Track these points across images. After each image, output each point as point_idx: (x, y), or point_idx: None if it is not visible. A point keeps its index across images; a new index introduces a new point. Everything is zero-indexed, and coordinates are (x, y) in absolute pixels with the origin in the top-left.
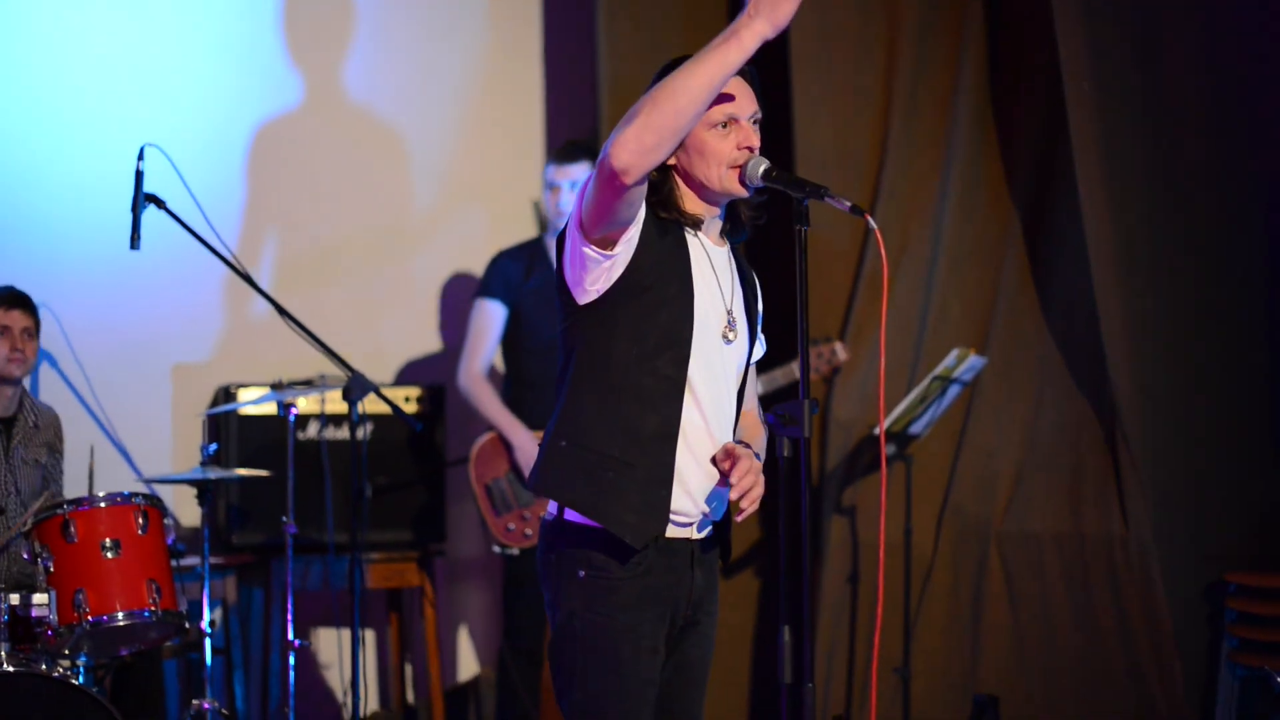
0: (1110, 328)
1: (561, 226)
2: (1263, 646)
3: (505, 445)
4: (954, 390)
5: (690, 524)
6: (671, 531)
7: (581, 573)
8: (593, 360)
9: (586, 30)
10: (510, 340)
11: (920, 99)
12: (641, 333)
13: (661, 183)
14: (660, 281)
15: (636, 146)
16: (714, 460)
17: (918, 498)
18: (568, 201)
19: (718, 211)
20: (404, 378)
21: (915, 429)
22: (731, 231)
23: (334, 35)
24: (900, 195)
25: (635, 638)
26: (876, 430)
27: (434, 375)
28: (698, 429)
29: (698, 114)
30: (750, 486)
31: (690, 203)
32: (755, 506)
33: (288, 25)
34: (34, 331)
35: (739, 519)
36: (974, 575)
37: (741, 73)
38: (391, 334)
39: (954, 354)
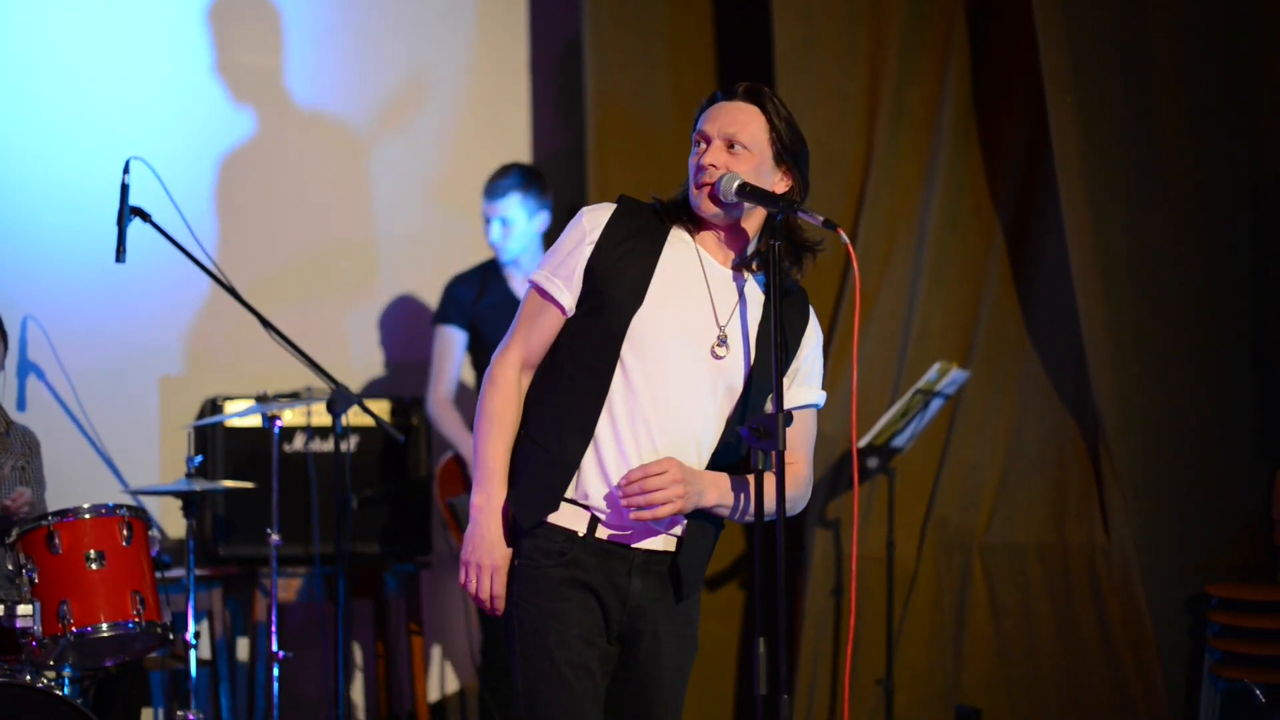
0: (1093, 339)
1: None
2: (1244, 659)
3: (462, 464)
4: (936, 403)
5: (606, 520)
6: (601, 532)
7: (516, 561)
8: (549, 356)
9: (573, 42)
10: (477, 360)
11: (905, 109)
12: (583, 330)
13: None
14: (608, 285)
15: None
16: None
17: (901, 510)
18: (497, 234)
19: (722, 235)
20: (391, 390)
21: (898, 442)
22: (768, 271)
23: (320, 47)
24: (884, 206)
25: (562, 624)
26: (859, 443)
27: (421, 388)
28: (639, 430)
29: None
30: (633, 494)
31: (700, 222)
32: (644, 514)
33: (273, 38)
34: None
35: (631, 516)
36: (957, 586)
37: (735, 98)
38: (377, 346)
39: (935, 368)
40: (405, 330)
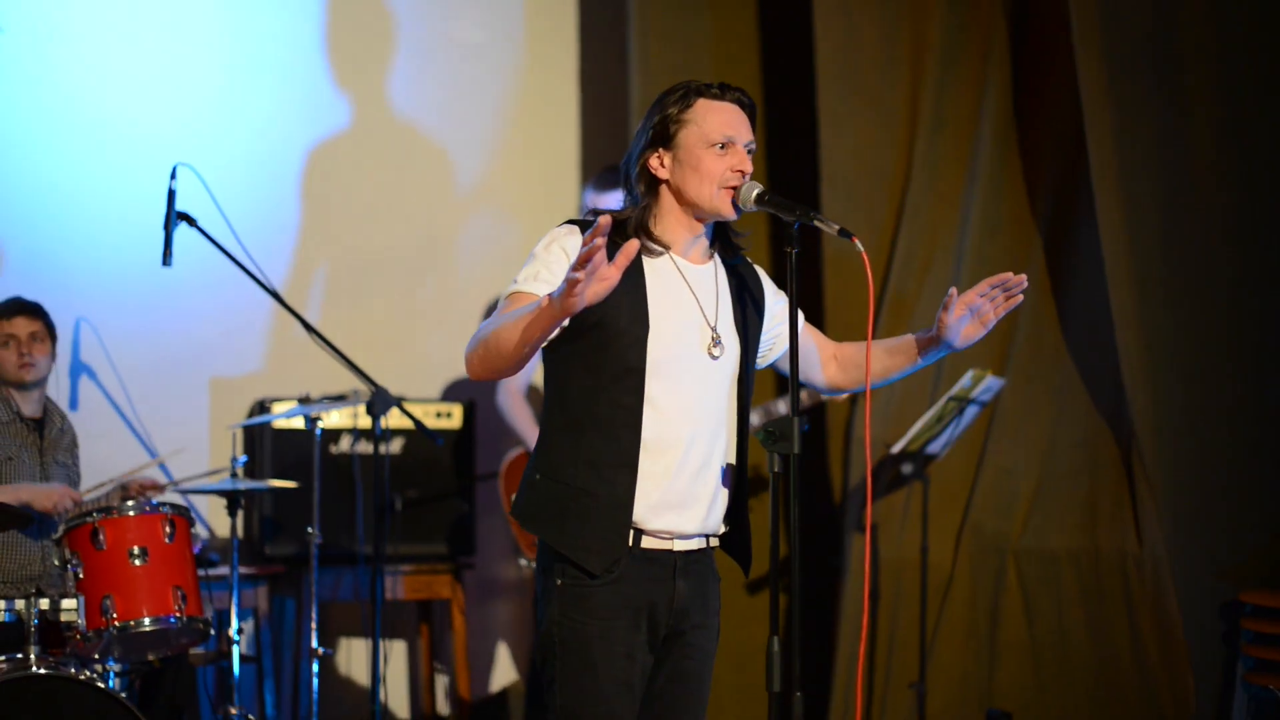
0: (1127, 347)
1: None
2: (1278, 667)
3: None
4: (972, 410)
5: (670, 538)
6: (649, 543)
7: (558, 580)
8: (557, 396)
9: (620, 51)
10: None
11: (945, 117)
12: (596, 365)
13: (644, 204)
14: (610, 316)
15: (478, 370)
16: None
17: (937, 515)
18: None
19: (701, 230)
20: (441, 393)
21: (933, 448)
22: (724, 252)
23: (374, 56)
24: (924, 214)
25: (608, 643)
26: (894, 449)
27: (469, 390)
28: (674, 450)
29: (518, 361)
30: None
31: (671, 223)
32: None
33: (330, 48)
34: (42, 336)
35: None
36: (991, 591)
37: (741, 104)
38: (428, 349)
39: (969, 374)
40: (455, 333)
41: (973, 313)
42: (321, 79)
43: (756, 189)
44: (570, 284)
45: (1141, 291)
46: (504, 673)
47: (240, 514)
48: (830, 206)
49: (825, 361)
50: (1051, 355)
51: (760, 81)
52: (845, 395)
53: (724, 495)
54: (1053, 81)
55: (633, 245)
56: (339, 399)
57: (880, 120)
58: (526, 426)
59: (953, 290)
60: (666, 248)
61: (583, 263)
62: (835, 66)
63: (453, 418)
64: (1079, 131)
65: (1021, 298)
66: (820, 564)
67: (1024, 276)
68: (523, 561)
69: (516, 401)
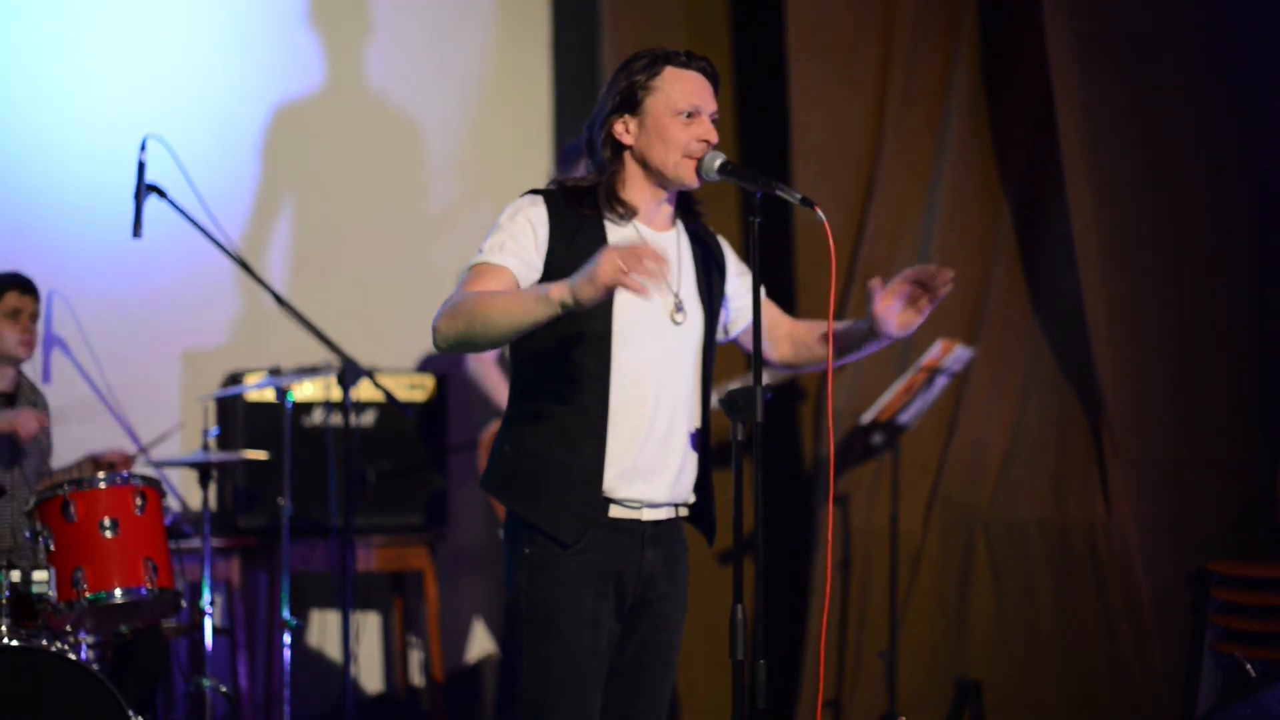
0: (1096, 319)
1: None
2: (1245, 636)
3: None
4: (940, 381)
5: (639, 507)
6: (617, 512)
7: (526, 549)
8: (525, 367)
9: (592, 24)
10: None
11: (914, 92)
12: (561, 334)
13: (610, 170)
14: None
15: (447, 343)
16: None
17: (907, 486)
18: None
19: (664, 196)
20: (414, 365)
21: (903, 419)
22: (686, 220)
23: (346, 27)
24: (894, 186)
25: (575, 611)
26: (863, 419)
27: (441, 362)
28: (641, 416)
29: (504, 344)
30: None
31: (636, 189)
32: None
33: (300, 17)
34: (38, 316)
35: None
36: (961, 561)
37: (705, 74)
38: (400, 321)
39: (938, 344)
40: (427, 305)
41: (905, 300)
42: (293, 49)
43: (720, 159)
44: (610, 279)
45: (1110, 263)
46: (478, 644)
47: (212, 486)
48: (801, 180)
49: (779, 339)
50: (1020, 327)
51: (731, 54)
52: (799, 373)
53: (692, 462)
54: (1022, 54)
55: (667, 266)
56: (310, 371)
57: (850, 94)
58: (502, 392)
59: (875, 281)
60: (633, 213)
61: (635, 262)
62: (806, 40)
63: (425, 389)
64: (1048, 104)
65: (950, 288)
66: (792, 534)
67: (951, 271)
68: (502, 533)
69: (490, 368)
